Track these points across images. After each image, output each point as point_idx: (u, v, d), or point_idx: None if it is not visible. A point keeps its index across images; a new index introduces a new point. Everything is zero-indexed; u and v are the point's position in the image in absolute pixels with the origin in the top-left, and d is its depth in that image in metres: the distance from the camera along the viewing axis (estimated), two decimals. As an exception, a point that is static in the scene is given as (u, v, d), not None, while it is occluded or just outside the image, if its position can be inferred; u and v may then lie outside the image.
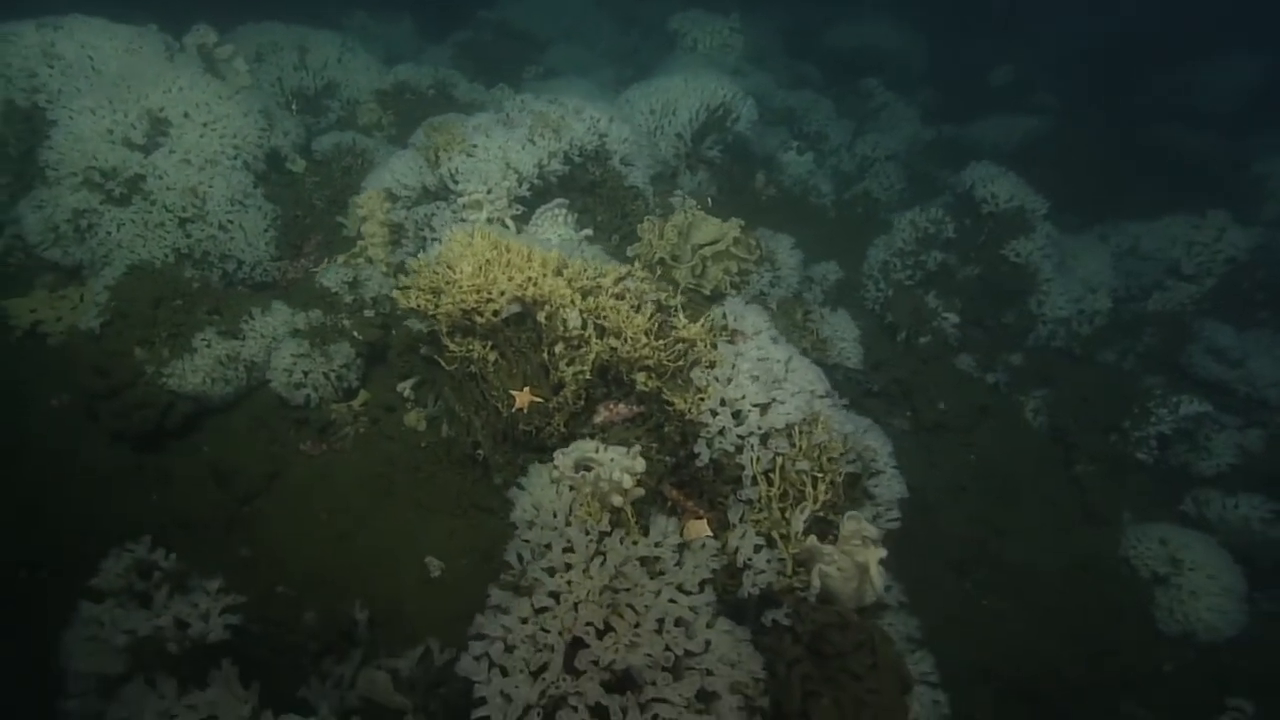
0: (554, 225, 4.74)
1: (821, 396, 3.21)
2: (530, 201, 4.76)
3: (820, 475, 3.05)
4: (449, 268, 3.34)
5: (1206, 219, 6.52)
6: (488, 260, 3.37)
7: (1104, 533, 4.84)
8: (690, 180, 5.93)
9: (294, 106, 5.99)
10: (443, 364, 3.52)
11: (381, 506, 3.84)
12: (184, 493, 3.79)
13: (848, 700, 2.92)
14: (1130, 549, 4.65)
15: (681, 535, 2.95)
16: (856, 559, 2.98)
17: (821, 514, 3.10)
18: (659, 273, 4.63)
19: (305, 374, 4.07)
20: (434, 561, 3.51)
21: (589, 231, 4.88)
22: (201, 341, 4.09)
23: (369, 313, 4.44)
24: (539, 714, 2.30)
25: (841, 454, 3.13)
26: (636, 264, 4.74)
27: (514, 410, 3.32)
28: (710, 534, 2.91)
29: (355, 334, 4.30)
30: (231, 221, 4.73)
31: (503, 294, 3.28)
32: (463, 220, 4.53)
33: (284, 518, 3.75)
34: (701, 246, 4.72)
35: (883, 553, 2.97)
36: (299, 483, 3.92)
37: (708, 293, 4.73)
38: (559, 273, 3.38)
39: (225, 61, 5.52)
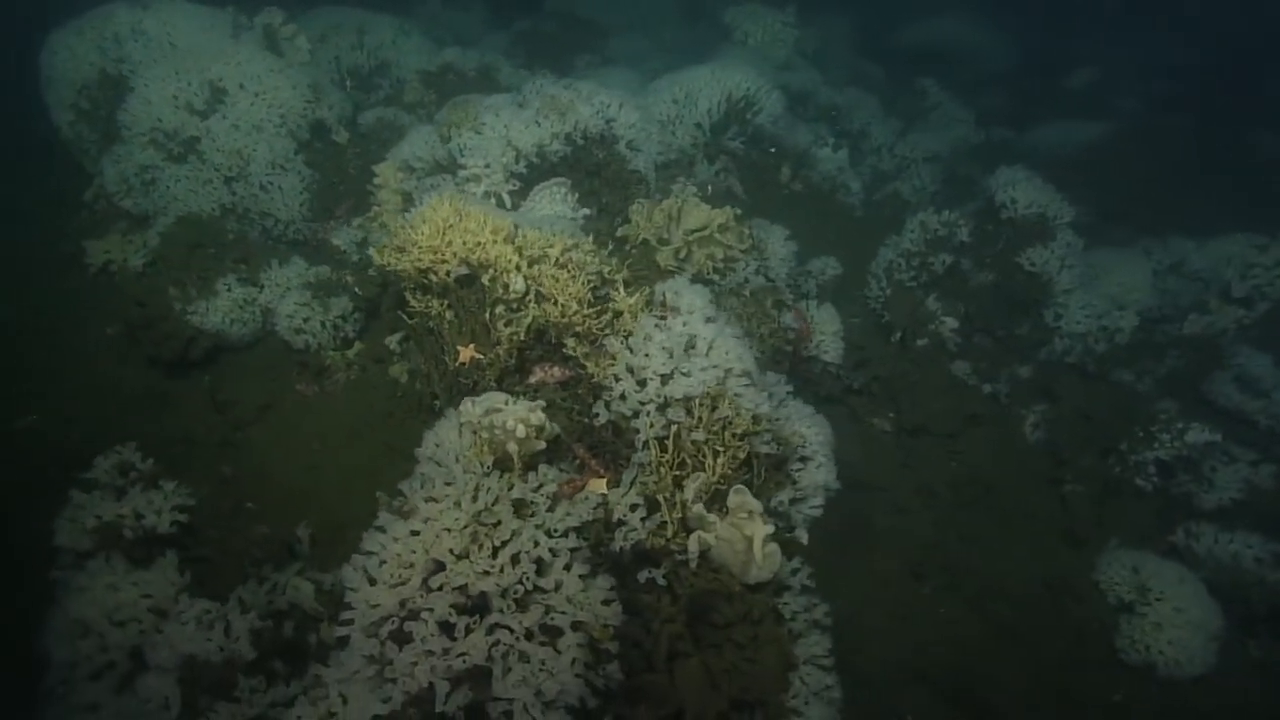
0: (550, 202, 5.00)
1: (738, 376, 3.32)
2: (530, 179, 5.04)
3: (721, 449, 3.17)
4: (412, 229, 3.66)
5: (1277, 240, 6.04)
6: (450, 225, 3.67)
7: (1079, 555, 4.65)
8: (706, 170, 6.04)
9: (349, 83, 6.54)
10: (405, 318, 3.86)
11: (353, 446, 4.24)
12: (190, 414, 4.32)
13: (719, 666, 3.05)
14: (1101, 573, 4.46)
15: (583, 490, 3.16)
16: (744, 532, 3.09)
17: (723, 487, 3.22)
18: (637, 254, 4.83)
19: (305, 321, 4.53)
20: (384, 496, 3.85)
21: (587, 211, 5.11)
22: (223, 285, 4.62)
23: (372, 272, 4.86)
24: (395, 622, 2.58)
25: (747, 432, 3.23)
26: (625, 244, 4.99)
27: (458, 364, 3.61)
28: (604, 492, 3.10)
29: (356, 290, 4.73)
30: (271, 183, 5.29)
31: (455, 256, 3.57)
32: (462, 192, 4.88)
33: (267, 445, 4.22)
34: (692, 232, 4.86)
35: (768, 529, 3.06)
36: (288, 417, 4.38)
37: (690, 276, 4.88)
38: (509, 241, 3.65)
39: (288, 40, 6.10)
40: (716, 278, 4.87)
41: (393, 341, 4.60)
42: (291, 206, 5.33)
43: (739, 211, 5.05)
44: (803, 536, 3.62)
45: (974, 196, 6.42)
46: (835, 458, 4.70)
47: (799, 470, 3.58)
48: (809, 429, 3.70)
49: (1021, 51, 10.66)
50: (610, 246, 4.25)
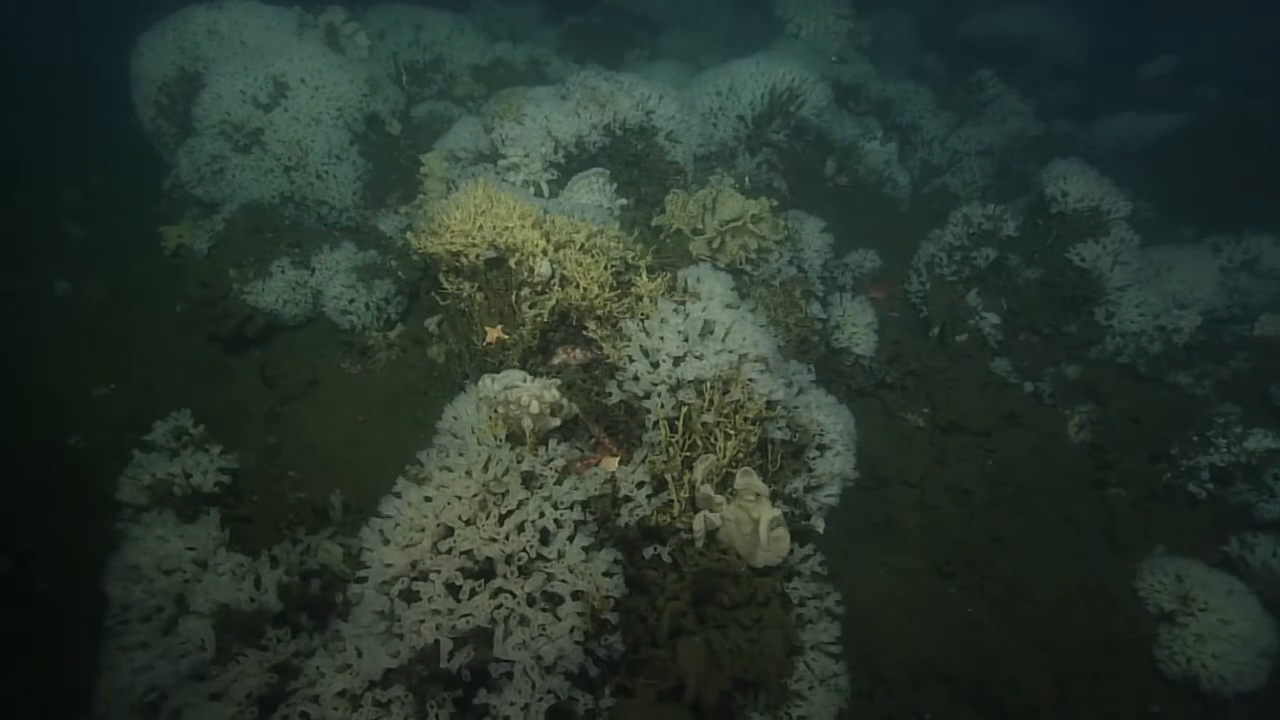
0: (589, 191, 5.11)
1: (753, 361, 3.34)
2: (569, 168, 5.16)
3: (732, 432, 3.20)
4: (445, 214, 3.82)
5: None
6: (481, 210, 3.82)
7: (1120, 561, 4.47)
8: (748, 162, 6.04)
9: (404, 78, 6.80)
10: (438, 299, 4.03)
11: (389, 421, 4.45)
12: (244, 387, 4.62)
13: (722, 645, 3.10)
14: (1141, 581, 4.27)
15: (596, 467, 3.25)
16: (751, 514, 3.12)
17: (734, 470, 3.25)
18: (671, 243, 4.88)
19: (350, 303, 4.77)
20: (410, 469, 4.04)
21: (624, 201, 5.20)
22: (277, 268, 4.90)
23: (415, 257, 5.06)
24: (405, 582, 2.73)
25: (760, 416, 3.26)
26: (661, 233, 5.06)
27: (485, 344, 3.76)
28: (615, 470, 3.18)
29: (399, 274, 4.95)
30: (327, 172, 5.57)
31: (484, 239, 3.71)
32: (503, 180, 5.03)
33: (312, 418, 4.47)
34: (726, 222, 4.89)
35: (775, 512, 3.09)
36: (331, 393, 4.63)
37: (722, 265, 4.91)
38: (536, 226, 3.76)
39: (348, 37, 6.40)
40: (749, 268, 4.89)
41: (431, 324, 4.79)
42: (345, 195, 5.60)
43: (775, 203, 5.06)
44: (819, 525, 3.62)
45: (1026, 191, 6.22)
46: (863, 451, 4.68)
47: (815, 458, 3.58)
48: (828, 418, 3.69)
49: (1095, 39, 10.19)
50: (636, 233, 4.30)
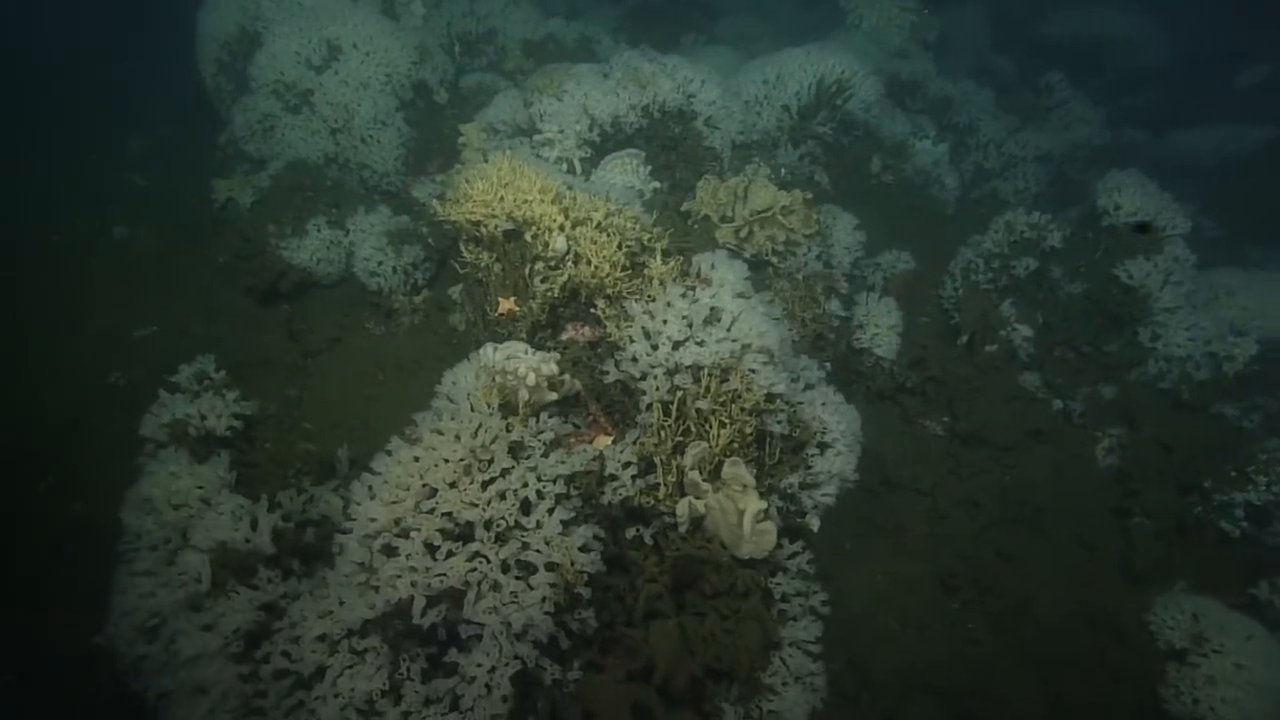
0: (621, 171, 5.11)
1: (756, 352, 3.30)
2: (605, 147, 5.16)
3: (727, 421, 3.18)
4: (469, 184, 3.87)
5: None
6: (505, 182, 3.85)
7: (1134, 593, 4.29)
8: (789, 153, 5.93)
9: (456, 48, 6.87)
10: (457, 268, 4.10)
11: (407, 383, 4.56)
12: (272, 339, 4.78)
13: (697, 632, 3.10)
14: (1154, 615, 4.09)
15: (590, 444, 3.28)
16: (738, 505, 3.10)
17: (727, 459, 3.23)
18: (698, 229, 4.85)
19: (379, 265, 4.88)
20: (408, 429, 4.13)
21: (657, 184, 5.18)
22: (313, 226, 5.05)
23: (446, 225, 5.14)
24: (388, 537, 2.81)
25: (757, 408, 3.22)
26: (689, 219, 5.03)
27: (497, 315, 3.81)
28: (605, 448, 3.20)
29: (429, 240, 5.04)
30: (371, 136, 5.68)
31: (503, 211, 3.75)
32: (537, 156, 5.07)
33: (332, 374, 4.61)
34: (756, 212, 4.84)
35: (760, 505, 3.06)
36: (354, 351, 4.76)
37: (748, 256, 4.86)
38: (556, 201, 3.78)
39: (404, 4, 6.51)
40: (775, 259, 4.82)
41: (455, 292, 4.87)
42: (387, 159, 5.71)
43: (809, 196, 4.96)
44: (813, 523, 3.57)
45: (1081, 202, 5.96)
46: (876, 455, 4.62)
47: (815, 456, 3.53)
48: (832, 417, 3.63)
49: (1182, 45, 9.64)
50: (655, 215, 4.28)
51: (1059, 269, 5.29)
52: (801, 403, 3.61)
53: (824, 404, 3.66)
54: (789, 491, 3.47)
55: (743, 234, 4.83)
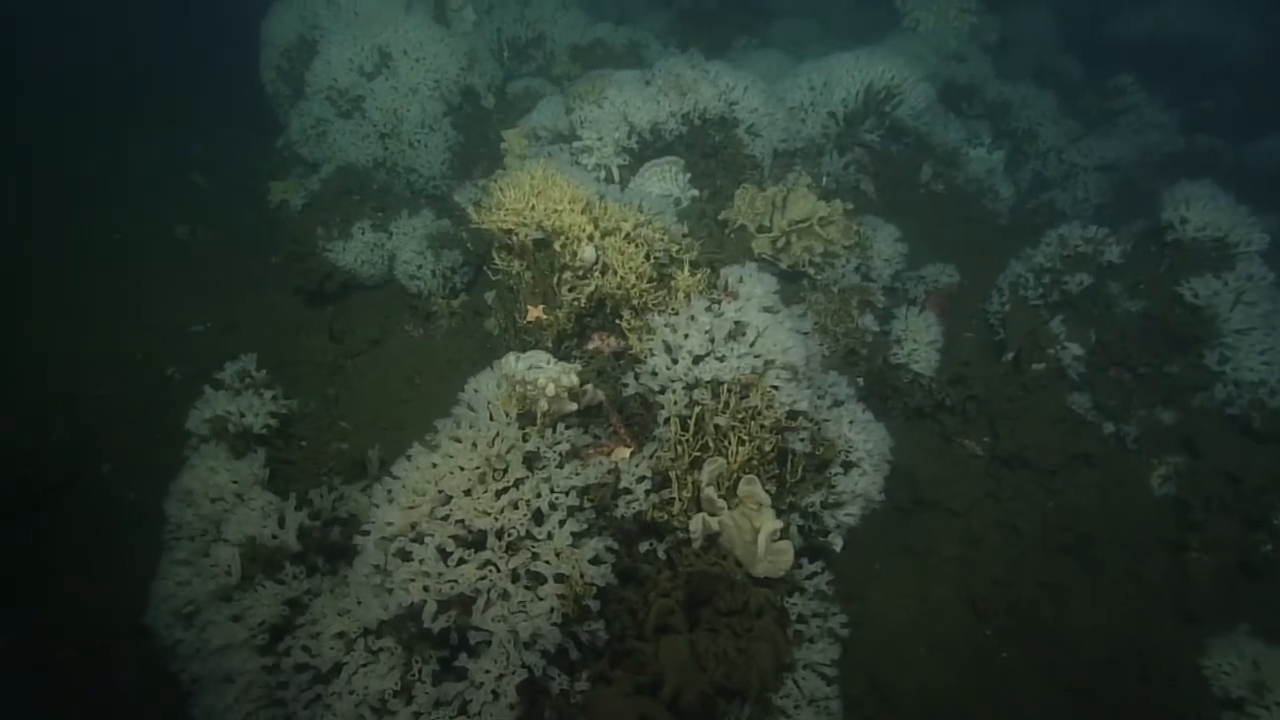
0: (660, 179, 5.09)
1: (780, 369, 3.24)
2: (644, 155, 5.15)
3: (746, 438, 3.13)
4: (502, 192, 3.92)
5: None
6: (538, 191, 3.88)
7: (1188, 633, 4.05)
8: (834, 161, 5.80)
9: (506, 53, 6.97)
10: (490, 274, 4.15)
11: (441, 386, 4.64)
12: (315, 339, 4.94)
13: (709, 649, 3.06)
14: (1209, 659, 3.85)
15: (608, 456, 3.28)
16: (753, 523, 3.05)
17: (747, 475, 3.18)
18: (734, 238, 4.80)
19: (418, 269, 4.99)
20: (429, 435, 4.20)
21: (696, 191, 5.15)
22: (358, 229, 5.20)
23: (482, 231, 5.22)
24: (404, 541, 2.86)
25: (778, 426, 3.17)
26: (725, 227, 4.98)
27: (525, 322, 3.84)
28: (624, 460, 3.19)
29: (469, 244, 5.12)
30: (419, 140, 5.83)
31: (534, 220, 3.78)
32: (576, 163, 5.09)
33: (371, 375, 4.74)
34: (795, 222, 4.76)
35: (776, 524, 3.01)
36: (392, 353, 4.88)
37: (784, 266, 4.78)
38: (586, 211, 3.79)
39: (455, 11, 6.64)
40: (812, 271, 4.73)
41: (491, 296, 4.94)
42: (433, 163, 5.85)
43: (850, 206, 4.85)
44: (836, 543, 3.49)
45: (1148, 213, 5.65)
46: (911, 474, 4.50)
47: (839, 475, 3.44)
48: (859, 435, 3.54)
49: (1272, 44, 9.05)
50: (687, 225, 4.24)
51: (1117, 285, 5.02)
52: (827, 420, 3.53)
53: (851, 422, 3.57)
54: (810, 510, 3.39)
55: (779, 244, 4.75)
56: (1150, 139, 6.75)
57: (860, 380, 4.36)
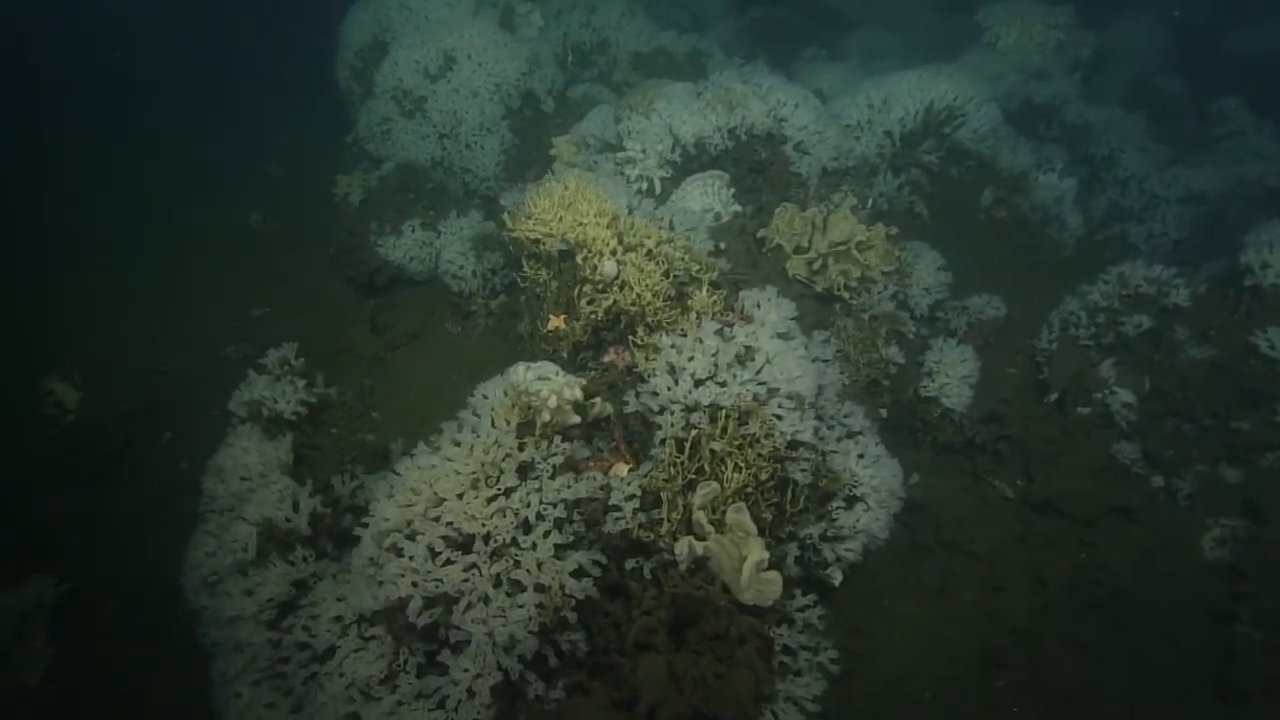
0: (702, 193, 5.08)
1: (785, 397, 3.20)
2: (688, 168, 5.15)
3: (743, 465, 3.11)
4: (533, 202, 4.01)
5: None
6: (567, 203, 3.95)
7: (1229, 712, 3.76)
8: (889, 181, 5.64)
9: (570, 59, 7.09)
10: (518, 281, 4.25)
11: (469, 384, 4.76)
12: (357, 330, 5.17)
13: (687, 672, 3.06)
14: (1242, 741, 3.57)
15: (607, 472, 3.32)
16: (741, 551, 3.03)
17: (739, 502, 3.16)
18: (770, 258, 4.74)
19: (460, 268, 5.15)
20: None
21: (738, 207, 5.11)
22: (409, 226, 5.40)
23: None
24: (399, 537, 2.98)
25: (776, 455, 3.13)
26: (762, 246, 4.92)
27: (546, 331, 3.92)
28: (621, 477, 3.22)
29: (510, 247, 5.24)
30: (476, 142, 6.01)
31: (559, 232, 3.85)
32: (620, 173, 5.14)
33: (407, 368, 4.93)
34: (834, 245, 4.67)
35: (764, 554, 2.98)
36: (430, 348, 5.06)
37: (820, 289, 4.70)
38: (611, 225, 3.83)
39: (523, 17, 6.79)
40: (847, 295, 4.62)
41: (525, 300, 5.06)
42: (488, 165, 6.01)
43: (894, 230, 4.72)
44: (835, 577, 3.43)
45: (1230, 253, 5.26)
46: (933, 511, 4.36)
47: (840, 509, 3.37)
48: (866, 470, 3.46)
49: None
50: (718, 243, 4.22)
51: (1183, 330, 4.70)
52: (834, 452, 3.46)
53: (860, 455, 3.49)
54: (809, 542, 3.34)
55: (815, 266, 4.67)
56: (1251, 170, 6.22)
57: (884, 412, 4.24)
